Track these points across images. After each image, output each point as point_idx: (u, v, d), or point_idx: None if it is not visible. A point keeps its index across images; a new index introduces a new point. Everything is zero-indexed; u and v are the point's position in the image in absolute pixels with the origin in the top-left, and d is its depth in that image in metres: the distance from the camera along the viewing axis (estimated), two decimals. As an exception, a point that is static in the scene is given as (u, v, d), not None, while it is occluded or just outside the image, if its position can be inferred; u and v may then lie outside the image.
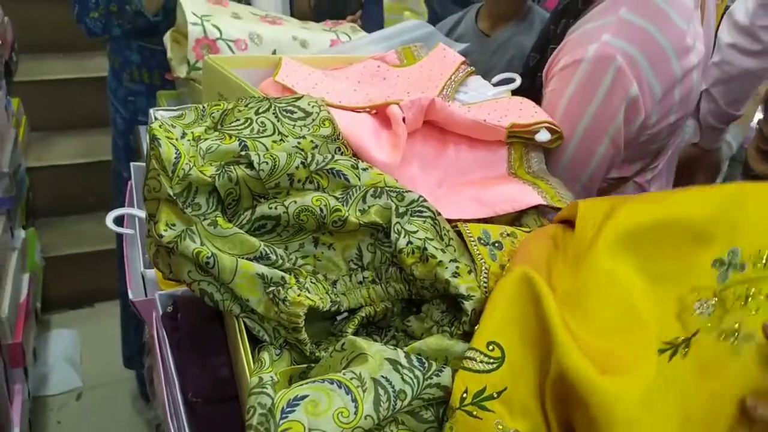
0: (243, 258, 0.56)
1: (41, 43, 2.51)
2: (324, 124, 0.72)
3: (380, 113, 0.84)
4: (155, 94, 1.44)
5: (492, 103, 0.90)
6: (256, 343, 0.57)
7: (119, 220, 0.84)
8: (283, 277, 0.56)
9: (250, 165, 0.61)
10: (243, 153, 0.62)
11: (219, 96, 0.95)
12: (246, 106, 0.72)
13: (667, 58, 0.88)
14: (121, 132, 1.58)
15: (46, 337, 2.17)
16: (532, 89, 1.02)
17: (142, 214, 0.87)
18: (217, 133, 0.66)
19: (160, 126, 0.62)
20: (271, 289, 0.55)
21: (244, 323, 0.56)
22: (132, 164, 1.01)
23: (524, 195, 0.79)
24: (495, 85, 1.03)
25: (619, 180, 1.05)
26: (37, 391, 1.94)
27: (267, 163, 0.61)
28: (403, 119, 0.79)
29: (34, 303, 1.91)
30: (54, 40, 2.51)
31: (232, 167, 0.61)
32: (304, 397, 0.45)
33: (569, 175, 0.95)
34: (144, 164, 1.08)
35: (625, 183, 1.06)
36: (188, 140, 0.66)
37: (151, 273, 0.80)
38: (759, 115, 1.04)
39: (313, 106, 0.73)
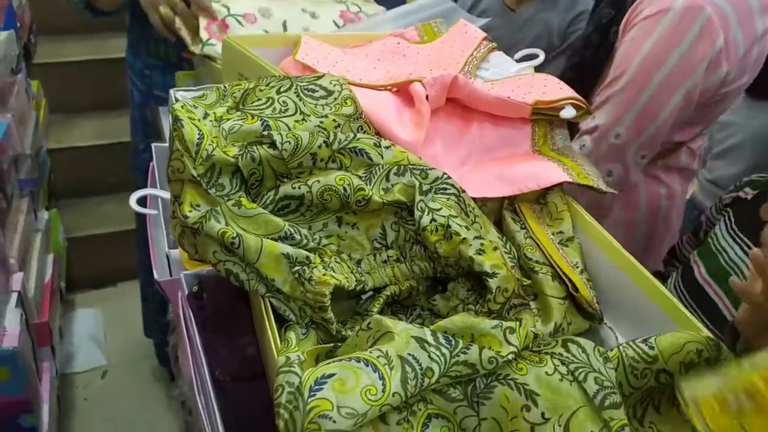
0: (268, 238, 0.56)
1: (59, 25, 2.51)
2: (346, 103, 0.72)
3: (402, 91, 0.83)
4: (171, 70, 1.43)
5: (515, 79, 0.89)
6: (282, 323, 0.57)
7: (142, 201, 0.84)
8: (308, 257, 0.56)
9: (272, 145, 0.61)
10: (265, 133, 0.62)
11: (239, 76, 0.94)
12: (267, 85, 0.71)
13: (752, 14, 0.88)
14: (137, 105, 1.58)
15: (71, 317, 2.21)
16: (604, 44, 1.02)
17: (165, 194, 0.88)
18: (239, 113, 0.66)
19: (182, 107, 0.62)
20: (296, 269, 0.55)
21: (270, 303, 0.57)
22: (153, 145, 1.01)
23: (549, 172, 0.78)
24: (518, 61, 1.01)
25: (677, 144, 1.04)
26: (63, 368, 1.98)
27: (290, 143, 0.60)
28: (426, 97, 0.78)
29: (59, 283, 1.95)
30: (72, 22, 2.51)
31: (254, 147, 0.61)
32: (331, 376, 0.45)
33: (635, 127, 0.96)
34: (165, 145, 1.08)
35: (680, 148, 1.06)
36: (210, 121, 0.66)
37: (176, 253, 0.80)
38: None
39: (334, 85, 0.73)
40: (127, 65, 1.57)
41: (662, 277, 1.08)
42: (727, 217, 0.95)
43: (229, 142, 0.62)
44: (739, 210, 0.95)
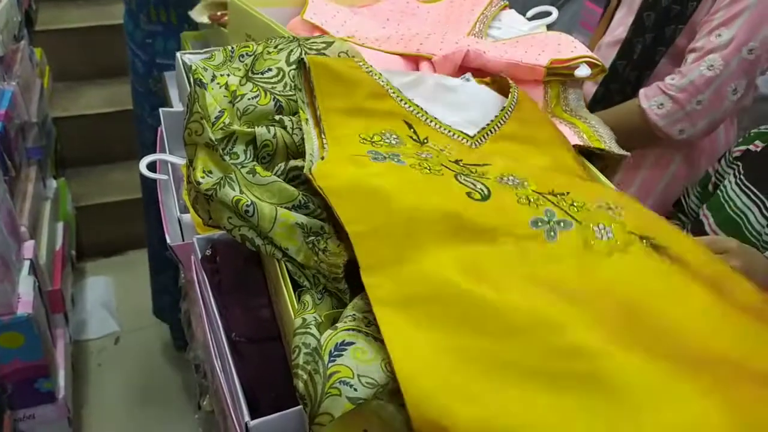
0: (282, 207, 0.56)
1: (60, -8, 2.48)
2: None
3: (412, 59, 0.82)
4: (173, 34, 1.40)
5: (528, 38, 0.87)
6: (296, 286, 0.57)
7: (152, 167, 0.84)
8: (322, 227, 0.55)
9: (285, 127, 0.62)
10: (277, 118, 0.63)
11: (246, 37, 0.93)
12: (276, 47, 0.70)
13: None
14: (141, 76, 1.55)
15: (82, 285, 2.24)
16: None
17: (175, 159, 0.87)
18: (251, 86, 0.65)
19: (199, 69, 0.62)
20: (310, 238, 0.55)
21: (286, 266, 0.56)
22: (161, 110, 1.00)
23: (562, 135, 0.77)
24: (530, 19, 0.99)
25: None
26: (77, 335, 2.01)
27: (300, 129, 0.61)
28: None
29: (69, 251, 1.96)
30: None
31: (271, 126, 0.62)
32: (350, 344, 0.45)
33: (765, 8, 0.97)
34: (173, 109, 1.07)
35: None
36: (218, 84, 0.65)
37: (188, 218, 0.80)
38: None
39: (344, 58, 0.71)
40: (126, 35, 1.53)
41: None
42: (737, 170, 0.95)
43: (243, 122, 0.63)
44: (748, 163, 0.94)
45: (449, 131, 0.65)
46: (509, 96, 0.71)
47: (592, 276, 0.47)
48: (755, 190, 0.88)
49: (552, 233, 0.49)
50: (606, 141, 0.80)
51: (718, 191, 0.95)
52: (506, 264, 0.48)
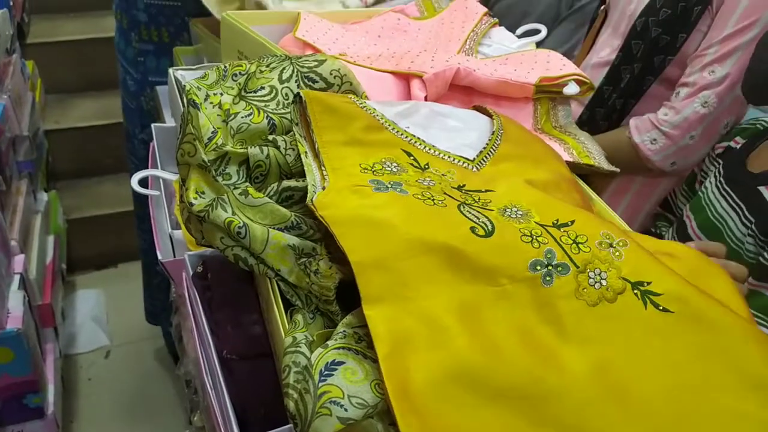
0: (274, 228, 0.56)
1: (53, 3, 2.48)
2: None
3: (404, 76, 0.82)
4: (165, 52, 1.40)
5: (518, 56, 0.88)
6: (288, 305, 0.57)
7: (143, 182, 0.84)
8: (314, 248, 0.56)
9: (278, 147, 0.62)
10: (271, 138, 0.63)
11: (239, 54, 0.93)
12: (268, 66, 0.71)
13: None
14: (132, 93, 1.55)
15: (73, 298, 2.22)
16: None
17: (167, 175, 0.87)
18: (244, 105, 0.65)
19: (193, 89, 0.62)
20: (302, 260, 0.55)
21: (279, 285, 0.57)
22: (153, 126, 1.00)
23: (551, 151, 0.78)
24: (519, 36, 1.00)
25: None
26: (66, 349, 1.99)
27: (293, 150, 0.61)
28: (425, 98, 0.77)
29: (60, 264, 1.95)
30: (64, 0, 2.48)
31: (264, 146, 0.62)
32: (341, 363, 0.46)
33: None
34: (165, 125, 1.08)
35: None
36: (211, 103, 0.65)
37: (179, 234, 0.80)
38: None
39: (335, 77, 0.71)
40: (117, 52, 1.54)
41: (655, 237, 1.09)
42: (718, 169, 0.95)
43: (236, 140, 0.63)
44: (729, 160, 0.95)
45: (449, 156, 0.65)
46: (494, 121, 0.72)
47: (573, 330, 0.49)
48: (733, 195, 0.88)
49: (548, 278, 0.50)
50: (595, 157, 0.81)
51: (700, 192, 0.96)
52: (501, 310, 0.49)
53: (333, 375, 0.44)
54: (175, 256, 0.81)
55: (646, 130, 1.04)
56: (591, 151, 0.82)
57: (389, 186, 0.56)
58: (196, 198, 0.56)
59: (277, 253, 0.55)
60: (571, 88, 0.82)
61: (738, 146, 0.95)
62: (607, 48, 1.15)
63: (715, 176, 0.95)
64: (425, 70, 0.80)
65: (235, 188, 0.57)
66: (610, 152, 1.01)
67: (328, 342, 0.47)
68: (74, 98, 2.47)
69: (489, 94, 0.83)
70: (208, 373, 0.65)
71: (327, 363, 0.45)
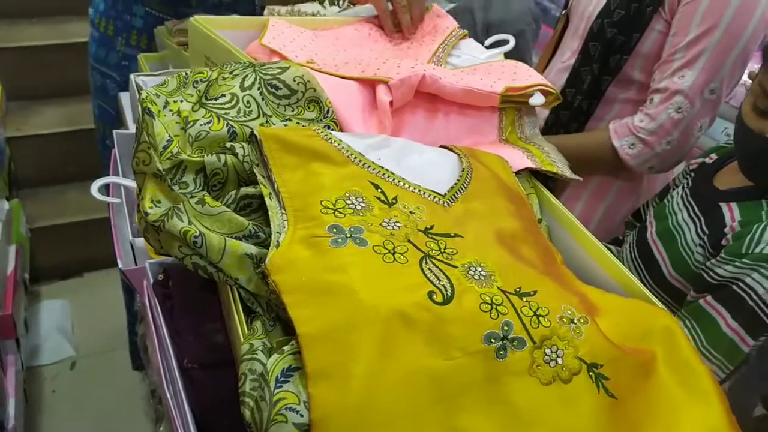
0: (231, 237, 0.55)
1: (14, 8, 2.43)
2: (309, 108, 0.71)
3: (369, 84, 0.82)
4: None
5: (486, 66, 0.89)
6: (250, 312, 0.57)
7: (105, 189, 0.83)
8: None
9: (235, 154, 0.61)
10: (229, 145, 0.62)
11: (206, 59, 0.92)
12: (231, 73, 0.70)
13: None
14: (113, 98, 1.53)
15: (37, 308, 2.17)
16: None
17: (128, 182, 0.86)
18: (204, 112, 0.65)
19: (150, 96, 0.61)
20: (260, 269, 0.54)
21: (239, 293, 0.56)
22: (115, 132, 0.98)
23: (513, 159, 0.78)
24: (488, 47, 1.01)
25: None
26: (30, 361, 1.94)
27: (251, 156, 0.61)
28: (391, 103, 0.77)
29: (22, 274, 1.90)
30: (28, 5, 2.43)
31: (221, 154, 0.61)
32: (297, 369, 0.46)
33: (728, 79, 1.00)
34: (127, 132, 1.06)
35: None
36: (170, 110, 0.65)
37: (140, 241, 0.79)
38: (750, 71, 1.04)
39: (298, 83, 0.71)
40: (93, 60, 1.51)
41: (620, 243, 1.11)
42: (688, 182, 0.98)
43: (195, 148, 0.62)
44: (699, 175, 0.97)
45: (419, 190, 0.63)
46: (462, 159, 0.71)
47: (522, 410, 0.48)
48: (695, 207, 0.91)
49: (502, 352, 0.49)
50: (558, 166, 0.82)
51: (666, 200, 0.99)
52: (449, 389, 0.47)
53: (289, 381, 0.44)
54: (136, 265, 0.80)
55: (624, 134, 1.06)
56: (554, 160, 0.83)
57: (348, 235, 0.53)
58: (151, 207, 0.56)
59: (234, 262, 0.54)
60: (537, 99, 0.83)
61: (711, 161, 0.98)
62: (567, 51, 1.18)
63: (683, 188, 0.97)
64: (391, 76, 0.81)
65: (192, 197, 0.57)
66: (591, 154, 1.02)
67: (284, 348, 0.47)
68: (37, 105, 2.42)
69: (455, 102, 0.84)
70: (169, 383, 0.64)
71: (283, 369, 0.45)
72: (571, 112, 1.14)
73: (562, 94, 1.15)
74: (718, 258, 0.81)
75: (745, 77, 1.09)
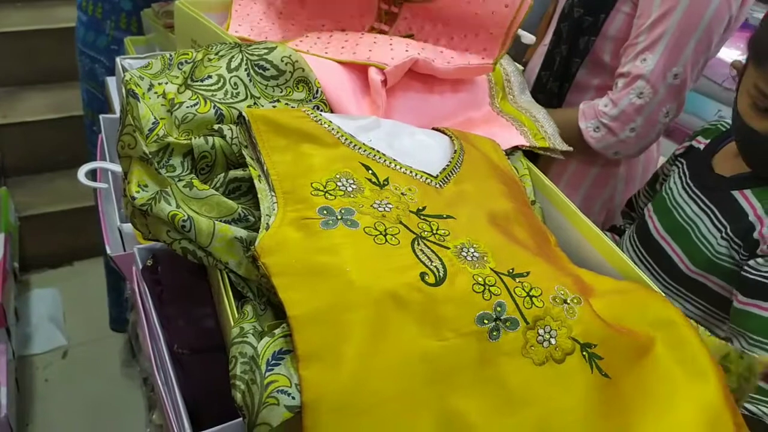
0: (220, 221, 0.55)
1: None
2: (298, 88, 0.70)
3: (358, 67, 0.81)
4: (141, 42, 1.37)
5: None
6: (240, 296, 0.56)
7: (93, 175, 0.81)
8: None
9: (223, 136, 0.60)
10: (216, 127, 0.61)
11: (192, 42, 0.91)
12: (216, 54, 0.69)
13: None
14: (102, 83, 1.51)
15: (27, 297, 2.15)
16: None
17: (115, 167, 0.85)
18: (190, 94, 0.63)
19: (134, 78, 0.60)
20: (250, 252, 0.54)
21: (229, 278, 0.55)
22: (102, 116, 0.97)
23: (505, 136, 0.78)
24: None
25: None
26: (21, 350, 1.93)
27: (239, 138, 0.59)
28: (384, 82, 0.76)
29: (12, 263, 1.89)
30: (9, -11, 2.39)
31: (209, 136, 0.60)
32: (288, 352, 0.45)
33: (691, 61, 0.97)
34: (114, 116, 1.04)
35: None
36: (155, 93, 0.63)
37: (129, 227, 0.78)
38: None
39: (286, 63, 0.70)
40: (81, 44, 1.49)
41: (619, 232, 1.10)
42: (681, 169, 0.96)
43: (181, 131, 0.61)
44: (693, 161, 0.95)
45: (411, 171, 0.62)
46: (454, 141, 0.70)
47: (517, 388, 0.48)
48: (704, 198, 0.88)
49: (495, 332, 0.48)
50: (550, 137, 0.82)
51: (664, 193, 0.96)
52: (442, 370, 0.47)
53: (280, 364, 0.43)
54: (125, 251, 0.79)
55: (591, 117, 1.04)
56: (547, 130, 0.83)
57: (339, 217, 0.52)
58: (138, 191, 0.55)
59: (224, 246, 0.53)
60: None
61: (701, 146, 0.95)
62: (549, 35, 1.17)
63: (680, 177, 0.94)
64: (385, 61, 0.79)
65: (180, 180, 0.56)
66: (562, 129, 1.01)
67: (275, 331, 0.47)
68: (23, 91, 2.38)
69: (446, 79, 0.83)
70: (160, 368, 0.63)
71: (274, 352, 0.44)
72: (545, 95, 1.12)
73: (538, 78, 1.13)
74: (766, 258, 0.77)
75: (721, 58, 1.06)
